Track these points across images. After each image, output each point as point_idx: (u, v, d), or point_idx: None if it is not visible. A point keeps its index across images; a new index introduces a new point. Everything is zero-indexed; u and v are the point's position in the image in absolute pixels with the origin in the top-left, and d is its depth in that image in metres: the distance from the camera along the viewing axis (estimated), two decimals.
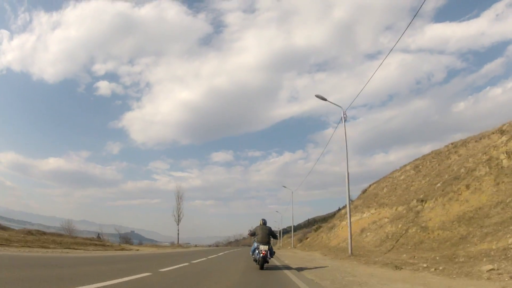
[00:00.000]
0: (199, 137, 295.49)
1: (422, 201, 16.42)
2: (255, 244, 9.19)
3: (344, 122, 15.03)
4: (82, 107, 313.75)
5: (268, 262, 9.28)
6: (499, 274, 5.87)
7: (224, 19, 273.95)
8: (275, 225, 75.92)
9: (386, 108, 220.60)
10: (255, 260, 9.22)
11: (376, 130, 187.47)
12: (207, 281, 5.89)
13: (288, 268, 9.68)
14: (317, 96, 15.87)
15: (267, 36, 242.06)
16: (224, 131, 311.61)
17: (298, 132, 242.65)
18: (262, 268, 8.70)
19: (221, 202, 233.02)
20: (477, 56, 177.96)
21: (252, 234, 9.62)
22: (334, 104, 15.69)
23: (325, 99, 15.85)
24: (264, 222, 9.53)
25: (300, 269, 9.31)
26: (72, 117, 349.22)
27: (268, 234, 9.15)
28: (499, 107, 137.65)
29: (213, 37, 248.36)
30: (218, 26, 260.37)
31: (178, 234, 42.12)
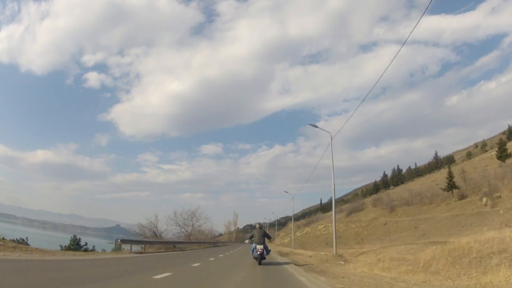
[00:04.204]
0: (189, 129, 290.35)
1: None
2: (253, 245, 11.31)
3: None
4: (71, 99, 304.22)
5: (265, 258, 11.23)
6: None
7: (216, 7, 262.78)
8: (270, 221, 73.33)
9: (378, 101, 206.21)
10: (255, 258, 11.26)
11: (368, 123, 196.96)
12: None
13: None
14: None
15: (260, 25, 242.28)
16: (214, 123, 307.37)
17: (289, 125, 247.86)
18: (260, 263, 10.77)
19: (210, 195, 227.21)
20: (472, 49, 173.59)
21: (251, 237, 11.77)
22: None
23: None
24: (260, 226, 11.99)
25: None
26: (61, 109, 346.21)
27: (263, 236, 11.35)
28: (493, 101, 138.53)
29: (205, 26, 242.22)
30: (210, 14, 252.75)
31: None
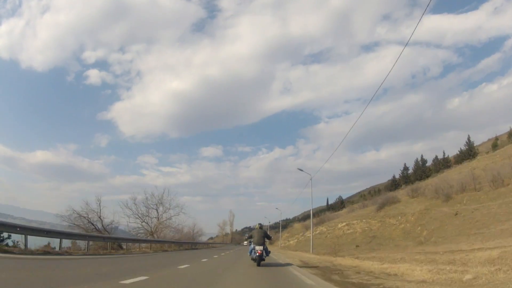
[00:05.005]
0: (189, 129, 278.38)
1: None
2: (252, 245, 10.46)
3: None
4: (71, 97, 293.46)
5: (264, 260, 10.40)
6: None
7: (218, 3, 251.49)
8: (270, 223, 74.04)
9: (379, 102, 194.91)
10: (253, 259, 10.41)
11: (368, 125, 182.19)
12: None
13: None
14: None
15: (262, 23, 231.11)
16: (214, 124, 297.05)
17: (289, 126, 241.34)
18: (259, 265, 9.97)
19: (209, 198, 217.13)
20: (474, 51, 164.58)
21: (250, 237, 11.04)
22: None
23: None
24: (260, 226, 11.06)
25: None
26: (61, 107, 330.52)
27: (263, 237, 10.51)
28: (494, 104, 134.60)
29: (207, 23, 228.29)
30: (212, 10, 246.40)
31: None
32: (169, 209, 27.04)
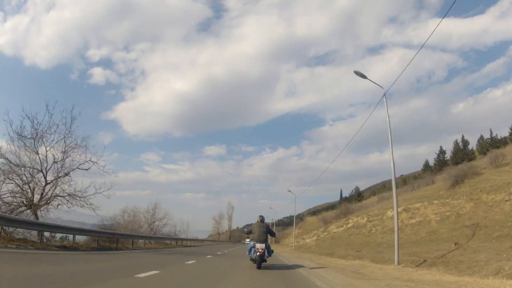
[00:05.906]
0: (193, 129, 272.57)
1: None
2: (251, 243, 8.94)
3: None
4: (75, 96, 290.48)
5: (266, 261, 8.96)
6: None
7: (224, 2, 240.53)
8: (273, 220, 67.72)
9: (384, 105, 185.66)
10: (252, 260, 8.93)
11: (373, 128, 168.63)
12: None
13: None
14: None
15: (267, 23, 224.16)
16: (218, 124, 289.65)
17: (293, 128, 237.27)
18: (259, 267, 8.36)
19: (212, 196, 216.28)
20: (479, 55, 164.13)
21: (249, 232, 9.57)
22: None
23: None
24: (262, 220, 9.34)
25: None
26: (65, 106, 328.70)
27: (265, 232, 8.90)
28: (498, 109, 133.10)
29: (212, 22, 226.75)
30: (218, 10, 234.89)
31: None
32: (68, 155, 12.78)
